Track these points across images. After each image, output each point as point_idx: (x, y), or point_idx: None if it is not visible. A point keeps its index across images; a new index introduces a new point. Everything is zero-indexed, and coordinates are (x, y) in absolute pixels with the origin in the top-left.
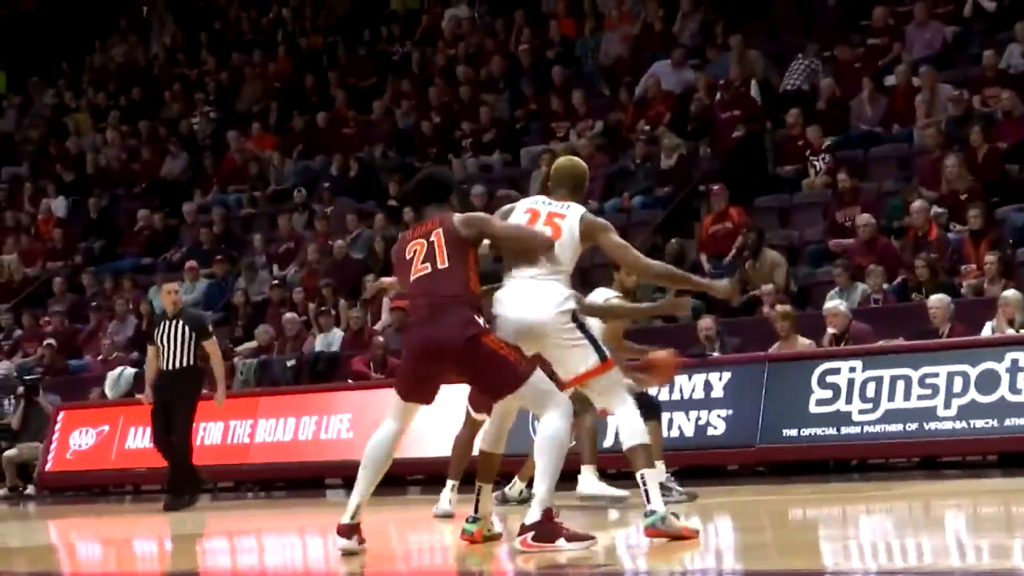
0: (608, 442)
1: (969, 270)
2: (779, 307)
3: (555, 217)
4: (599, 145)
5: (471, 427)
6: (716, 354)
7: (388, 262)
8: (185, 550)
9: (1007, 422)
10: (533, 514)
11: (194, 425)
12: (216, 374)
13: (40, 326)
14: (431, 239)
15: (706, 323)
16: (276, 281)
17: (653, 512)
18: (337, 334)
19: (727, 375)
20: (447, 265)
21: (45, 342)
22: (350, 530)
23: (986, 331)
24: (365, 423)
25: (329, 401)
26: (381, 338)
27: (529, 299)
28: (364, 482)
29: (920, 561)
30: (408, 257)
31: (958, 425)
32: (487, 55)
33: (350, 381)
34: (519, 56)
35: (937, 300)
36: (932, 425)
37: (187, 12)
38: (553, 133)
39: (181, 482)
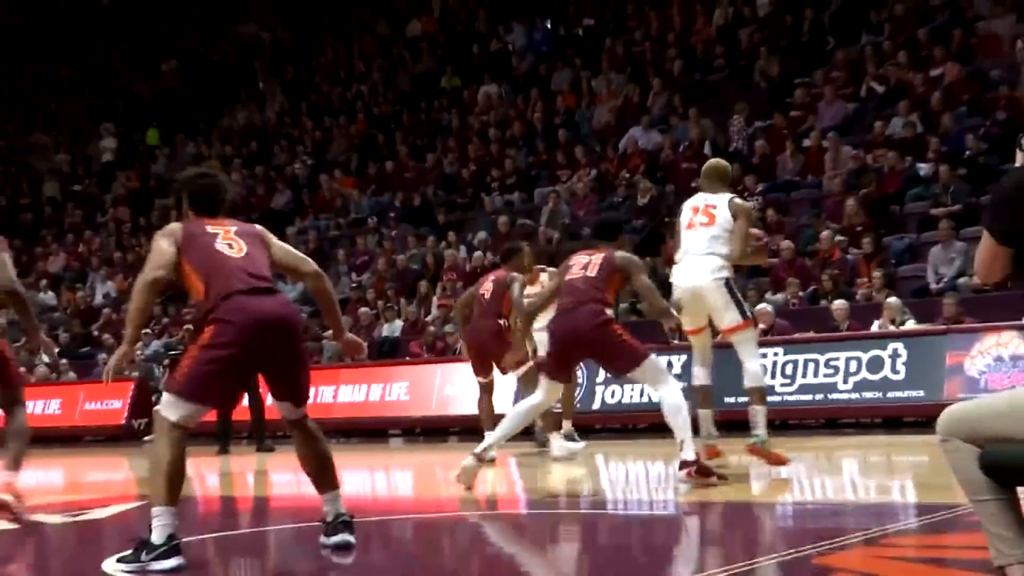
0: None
1: (862, 282)
2: None
3: (709, 208)
4: (592, 187)
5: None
6: (675, 342)
7: (436, 271)
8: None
9: (889, 395)
10: (688, 454)
11: None
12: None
13: (181, 315)
14: (592, 257)
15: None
16: (354, 284)
17: (757, 436)
18: (398, 324)
19: (684, 357)
20: (594, 275)
21: (184, 327)
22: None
23: (874, 327)
24: (418, 390)
25: (392, 373)
26: (432, 328)
27: (694, 269)
28: (503, 430)
29: (824, 496)
30: (569, 264)
31: (853, 396)
32: (510, 120)
33: (407, 359)
34: (534, 121)
35: (839, 304)
36: (834, 396)
37: (291, 86)
38: (558, 179)
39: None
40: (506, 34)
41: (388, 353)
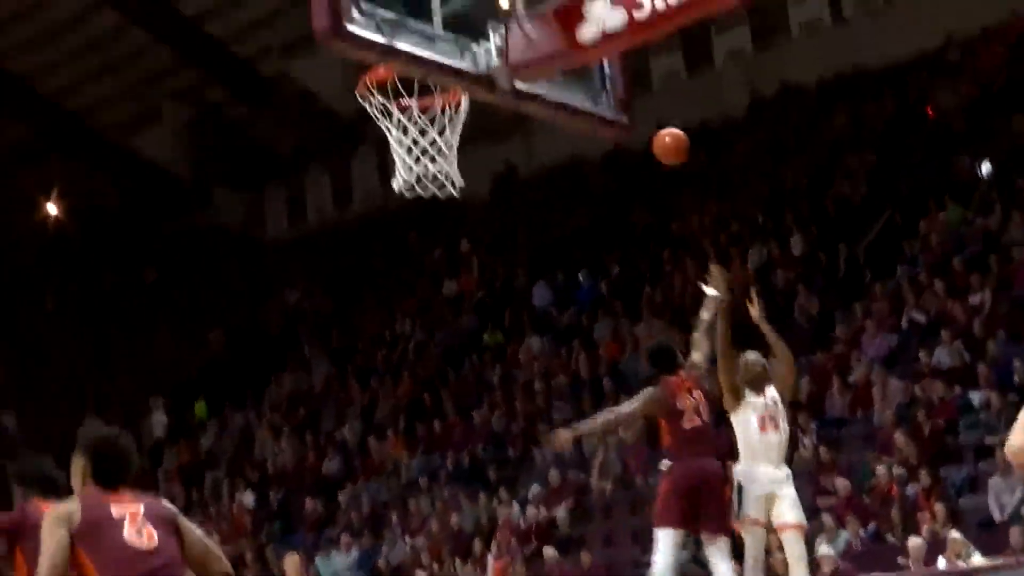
0: None
1: (924, 518)
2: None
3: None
4: (640, 437)
5: None
6: None
7: (490, 530)
8: None
9: None
10: None
11: None
12: None
13: None
14: (694, 395)
15: None
16: (408, 548)
17: None
18: None
19: None
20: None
21: None
22: None
23: (940, 564)
24: None
25: None
26: None
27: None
28: None
29: None
30: (679, 407)
31: None
32: (554, 373)
33: None
34: (579, 373)
35: (915, 542)
36: None
37: (336, 352)
38: None
39: None
40: (544, 288)
41: None
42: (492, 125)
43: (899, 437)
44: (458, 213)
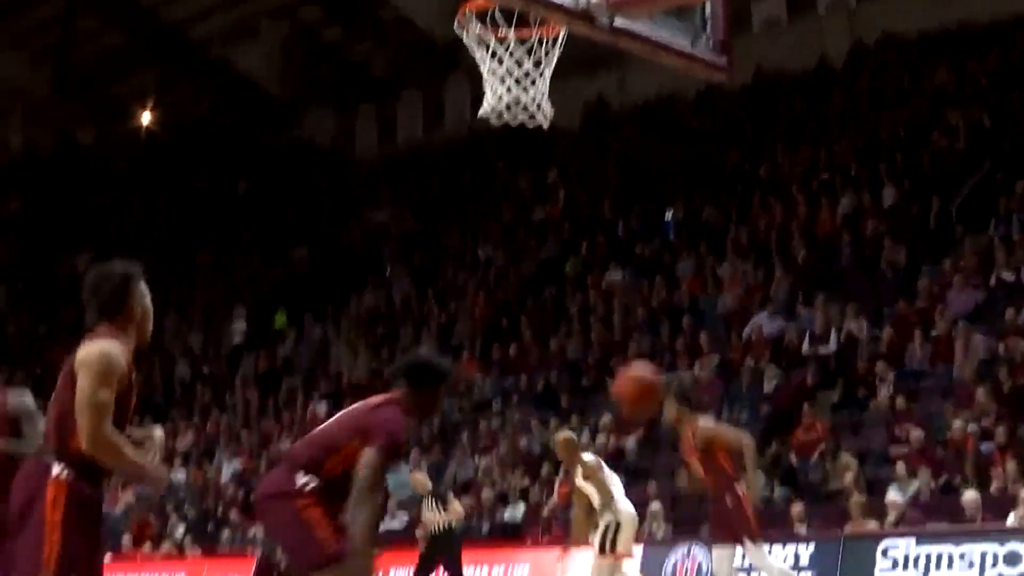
0: None
1: (997, 473)
2: (853, 498)
3: None
4: (715, 374)
5: None
6: (803, 531)
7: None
8: None
9: None
10: None
11: None
12: None
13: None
14: None
15: (797, 507)
16: (477, 466)
17: None
18: (521, 507)
19: (811, 546)
20: None
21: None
22: None
23: (1010, 520)
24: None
25: (513, 556)
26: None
27: None
28: None
29: None
30: None
31: None
32: (634, 306)
33: (528, 542)
34: (657, 308)
35: (970, 496)
36: None
37: (418, 273)
38: (679, 366)
39: None
40: (630, 221)
41: (510, 536)
42: (586, 57)
43: (979, 392)
44: (547, 143)
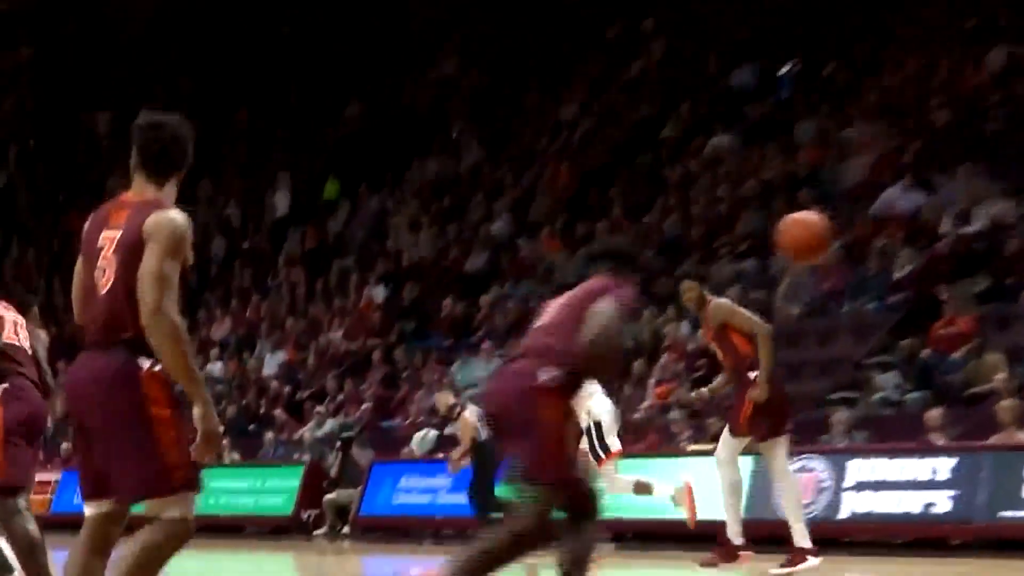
0: None
1: None
2: (1002, 402)
3: None
4: (840, 256)
5: None
6: (942, 442)
7: (654, 346)
8: None
9: None
10: None
11: None
12: None
13: (359, 392)
14: None
15: (934, 414)
16: None
17: None
18: None
19: (953, 460)
20: None
21: (363, 405)
22: None
23: None
24: None
25: None
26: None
27: None
28: None
29: None
30: None
31: None
32: (743, 176)
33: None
34: (771, 179)
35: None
36: None
37: (490, 136)
38: None
39: None
40: (740, 77)
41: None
42: None
43: None
44: None
